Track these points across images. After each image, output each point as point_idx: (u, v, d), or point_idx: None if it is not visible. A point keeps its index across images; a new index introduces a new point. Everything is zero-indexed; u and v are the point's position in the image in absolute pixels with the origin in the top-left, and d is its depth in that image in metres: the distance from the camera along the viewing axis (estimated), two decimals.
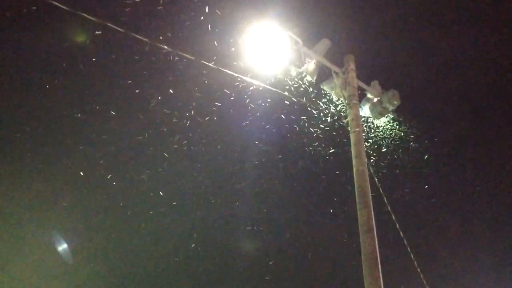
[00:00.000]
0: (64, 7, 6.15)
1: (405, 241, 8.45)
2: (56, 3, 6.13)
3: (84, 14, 6.38)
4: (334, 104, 8.53)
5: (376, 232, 6.02)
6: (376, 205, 6.38)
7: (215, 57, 8.02)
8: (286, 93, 8.16)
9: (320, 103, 8.67)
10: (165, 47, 7.18)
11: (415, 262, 8.36)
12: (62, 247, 16.74)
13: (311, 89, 8.43)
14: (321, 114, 8.94)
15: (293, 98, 8.24)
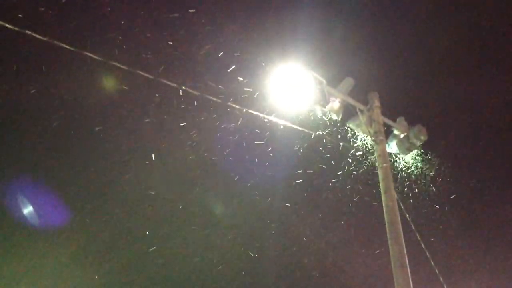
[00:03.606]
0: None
1: (440, 278, 8.30)
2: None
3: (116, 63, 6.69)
4: (361, 141, 8.58)
5: (409, 267, 5.96)
6: (408, 240, 6.34)
7: (240, 99, 8.24)
8: (312, 132, 8.26)
9: (347, 141, 8.73)
10: (193, 91, 7.41)
11: None
12: (28, 209, 16.55)
13: (337, 128, 8.52)
14: (348, 151, 8.98)
15: (321, 134, 8.33)
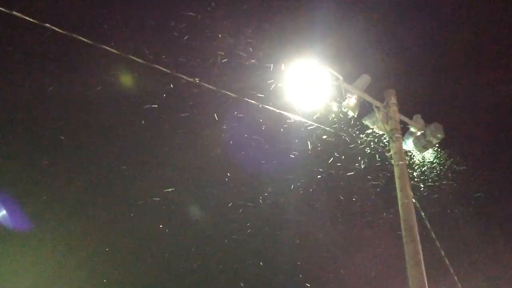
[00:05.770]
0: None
1: (455, 277, 8.24)
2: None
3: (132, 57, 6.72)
4: (376, 138, 8.54)
5: (424, 266, 5.92)
6: (422, 238, 6.30)
7: (257, 94, 8.24)
8: (328, 129, 8.23)
9: (363, 137, 8.70)
10: (209, 86, 7.43)
11: None
12: (1, 213, 16.46)
13: (352, 124, 8.49)
14: (364, 148, 8.95)
15: (338, 133, 8.30)
